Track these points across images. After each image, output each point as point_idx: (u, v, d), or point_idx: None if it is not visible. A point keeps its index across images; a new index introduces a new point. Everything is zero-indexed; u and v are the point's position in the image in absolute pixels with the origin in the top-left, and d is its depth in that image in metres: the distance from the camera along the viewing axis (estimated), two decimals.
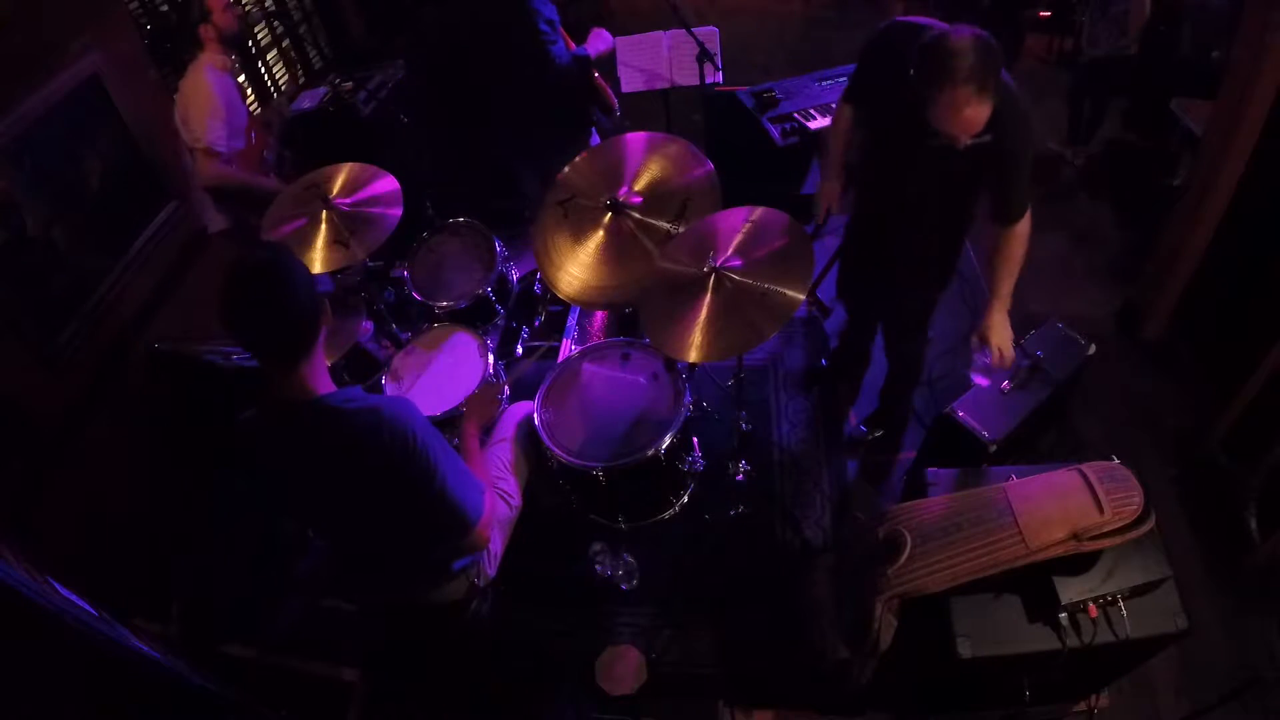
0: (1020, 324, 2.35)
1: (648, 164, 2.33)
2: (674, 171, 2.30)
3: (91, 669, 1.50)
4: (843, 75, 3.59)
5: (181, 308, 2.99)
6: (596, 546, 2.49)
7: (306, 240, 2.31)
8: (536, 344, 2.89)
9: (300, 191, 2.41)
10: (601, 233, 2.28)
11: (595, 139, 3.26)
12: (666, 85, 3.61)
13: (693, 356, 1.94)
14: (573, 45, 2.99)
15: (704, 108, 3.88)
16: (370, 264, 2.74)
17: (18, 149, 2.36)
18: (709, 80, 3.45)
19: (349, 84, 3.85)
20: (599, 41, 3.00)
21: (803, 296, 1.91)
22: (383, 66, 4.10)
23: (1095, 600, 1.78)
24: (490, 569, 1.96)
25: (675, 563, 2.56)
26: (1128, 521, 1.75)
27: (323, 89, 3.89)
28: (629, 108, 3.89)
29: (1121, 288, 3.49)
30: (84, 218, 2.63)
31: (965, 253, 2.11)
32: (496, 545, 1.98)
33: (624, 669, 2.10)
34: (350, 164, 2.47)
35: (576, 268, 2.29)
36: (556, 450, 2.12)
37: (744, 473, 2.72)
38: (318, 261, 2.30)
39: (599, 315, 2.96)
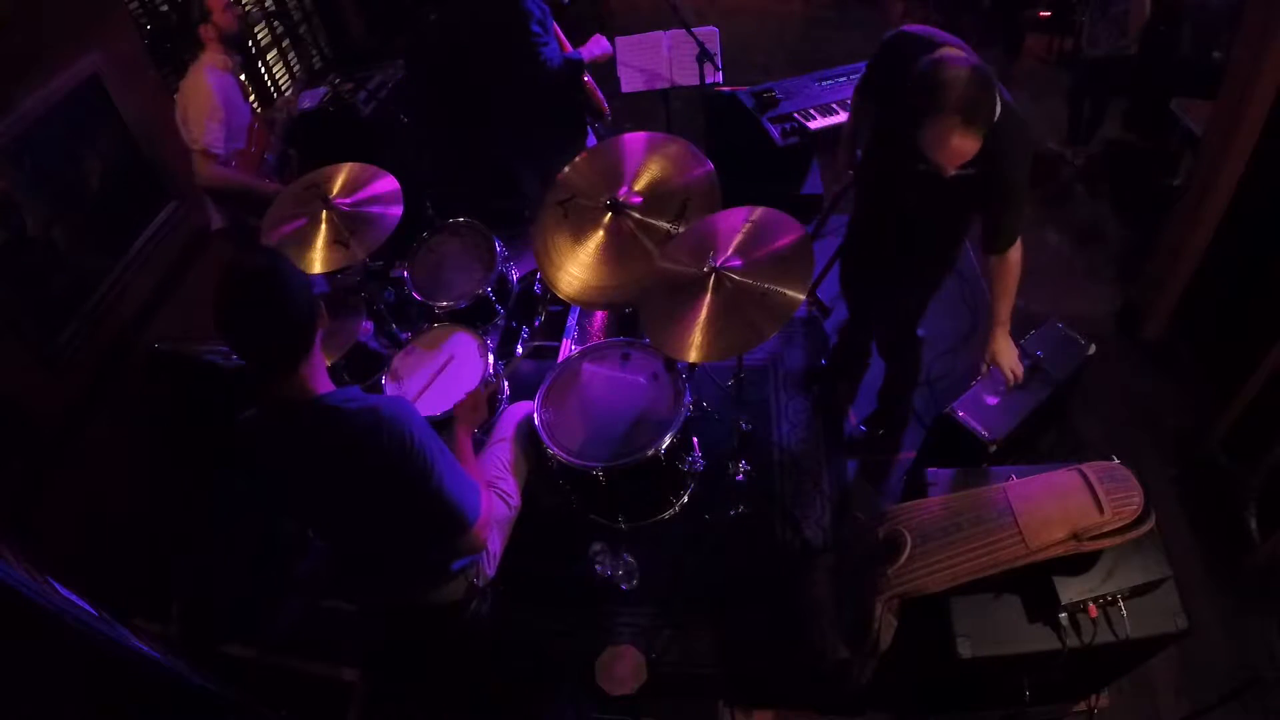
0: (1020, 324, 2.35)
1: (648, 164, 2.33)
2: (674, 171, 2.30)
3: (91, 669, 1.50)
4: (843, 75, 3.59)
5: (181, 308, 2.99)
6: (596, 546, 2.49)
7: (306, 240, 2.31)
8: (534, 343, 2.89)
9: (300, 191, 2.41)
10: (601, 233, 2.28)
11: (592, 140, 3.27)
12: (666, 85, 3.61)
13: (693, 356, 1.94)
14: (569, 47, 2.99)
15: (704, 108, 3.88)
16: (370, 264, 2.74)
17: (18, 149, 2.36)
18: (709, 80, 3.45)
19: (349, 84, 3.85)
20: (595, 47, 3.01)
21: (803, 296, 1.91)
22: (383, 66, 4.09)
23: (1095, 600, 1.78)
24: (490, 569, 1.96)
25: (675, 563, 2.56)
26: (1128, 521, 1.76)
27: (323, 89, 3.89)
28: (629, 107, 3.90)
29: (1121, 288, 3.50)
30: (84, 218, 2.63)
31: (965, 253, 2.11)
32: (495, 545, 1.98)
33: (624, 669, 2.10)
34: (350, 164, 2.47)
35: (576, 268, 2.29)
36: (556, 450, 2.12)
37: (744, 473, 2.72)
38: (318, 261, 2.30)
39: (599, 315, 2.95)
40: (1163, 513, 1.83)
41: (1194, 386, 3.06)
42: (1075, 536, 1.75)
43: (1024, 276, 2.08)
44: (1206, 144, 2.96)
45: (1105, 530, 1.75)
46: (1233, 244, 2.89)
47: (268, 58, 4.20)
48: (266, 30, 4.18)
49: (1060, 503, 1.80)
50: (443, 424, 2.12)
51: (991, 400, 2.29)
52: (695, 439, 2.38)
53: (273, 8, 4.19)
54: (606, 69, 3.12)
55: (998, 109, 1.76)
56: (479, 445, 2.18)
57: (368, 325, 2.68)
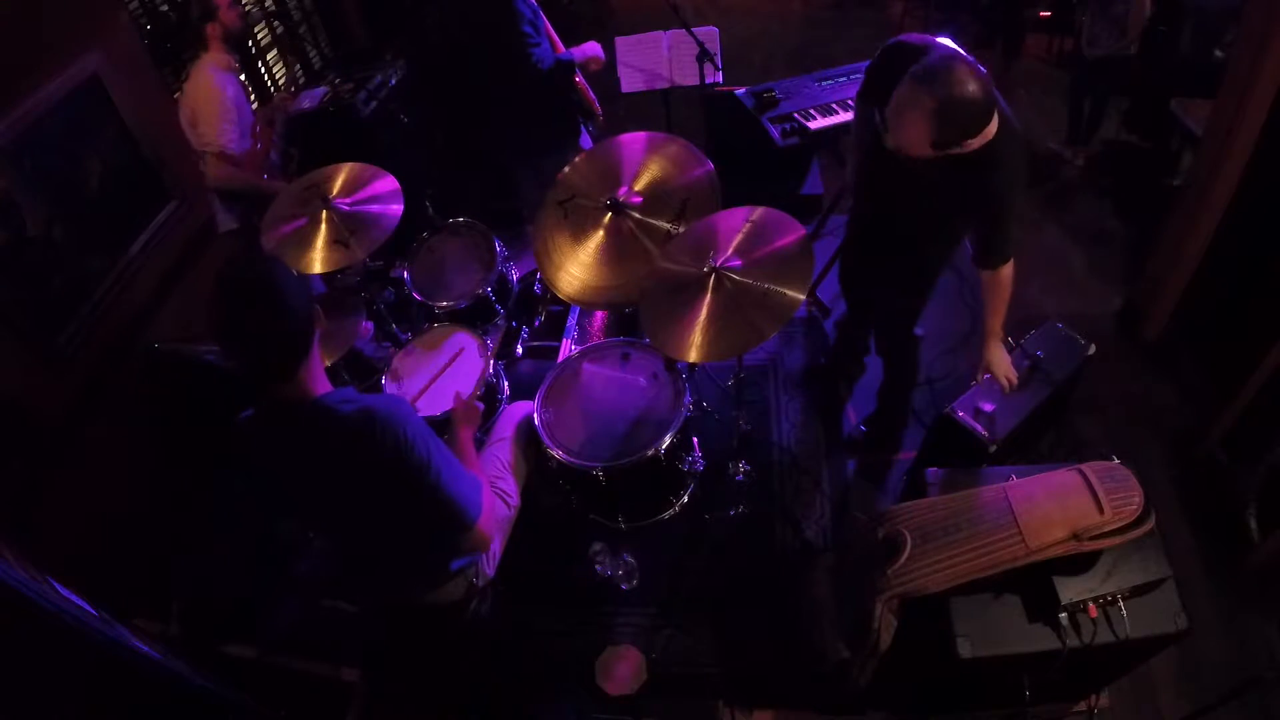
0: (1020, 324, 2.36)
1: (648, 164, 2.33)
2: (674, 171, 2.30)
3: (91, 669, 1.51)
4: (842, 75, 3.59)
5: (181, 308, 2.99)
6: (596, 546, 2.49)
7: (306, 240, 2.31)
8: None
9: (300, 191, 2.41)
10: (601, 233, 2.28)
11: (587, 141, 3.27)
12: (666, 85, 3.61)
13: (693, 356, 1.94)
14: (561, 47, 3.00)
15: (704, 108, 3.88)
16: (370, 264, 2.74)
17: (18, 149, 2.36)
18: (709, 80, 3.45)
19: (349, 84, 3.85)
20: (588, 50, 3.02)
21: (803, 296, 1.92)
22: (383, 66, 4.09)
23: (1095, 600, 1.78)
24: (489, 569, 1.96)
25: (675, 563, 2.56)
26: (1128, 521, 1.76)
27: (323, 89, 3.89)
28: (629, 107, 3.90)
29: (1121, 288, 3.50)
30: (84, 217, 2.63)
31: (965, 252, 2.12)
32: (495, 545, 1.98)
33: (624, 669, 2.10)
34: (350, 164, 2.47)
35: (576, 268, 2.29)
36: (556, 450, 2.12)
37: (744, 473, 2.72)
38: (318, 261, 2.30)
39: (599, 315, 2.95)
40: (1163, 513, 1.83)
41: (1194, 386, 3.06)
42: (1075, 536, 1.75)
43: (1024, 276, 2.09)
44: (1206, 144, 2.95)
45: (1105, 530, 1.75)
46: (1233, 244, 2.89)
47: (268, 58, 4.20)
48: (266, 30, 4.18)
49: (1060, 503, 1.80)
50: (443, 424, 2.12)
51: (991, 401, 2.30)
52: (695, 439, 2.38)
53: (273, 8, 4.19)
54: (599, 75, 3.13)
55: (991, 128, 1.76)
56: (479, 445, 2.18)
57: (368, 326, 2.69)
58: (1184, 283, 3.06)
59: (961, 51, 1.81)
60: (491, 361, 2.37)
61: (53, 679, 1.51)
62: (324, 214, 2.32)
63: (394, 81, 4.01)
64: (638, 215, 2.26)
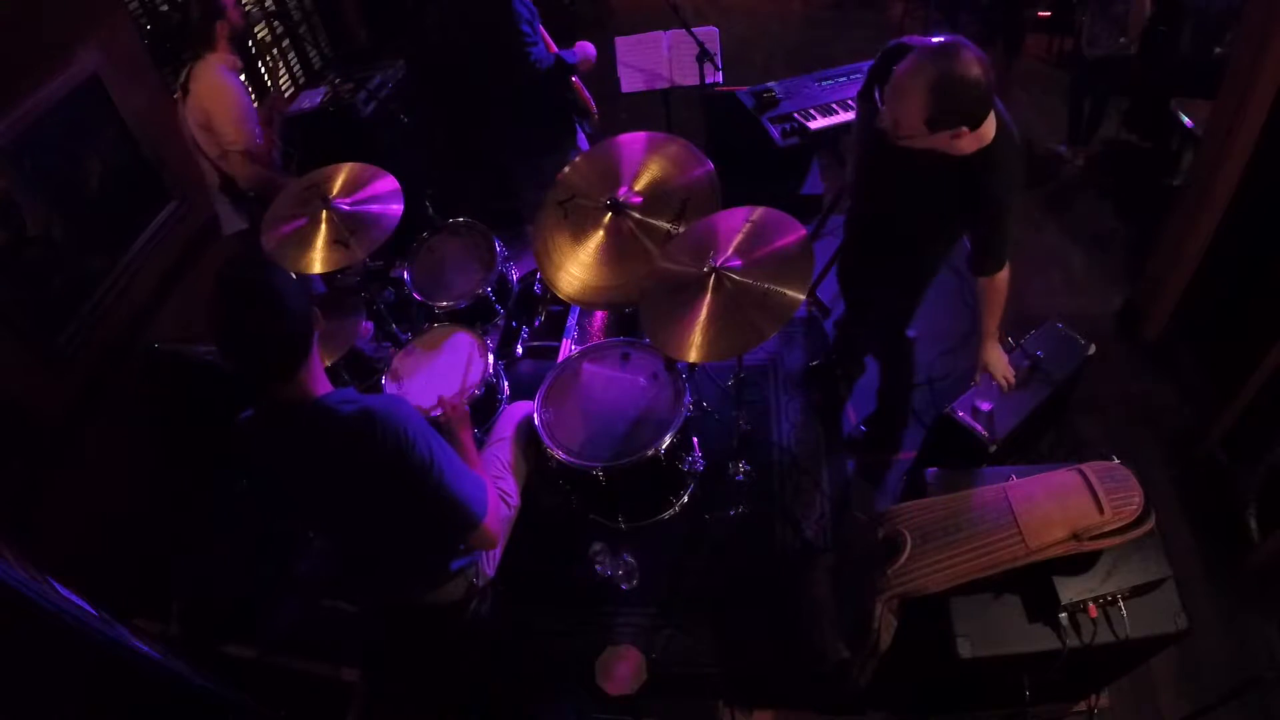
0: (1020, 324, 2.36)
1: (648, 164, 2.33)
2: (674, 171, 2.30)
3: (91, 669, 1.50)
4: (842, 75, 3.59)
5: (181, 308, 2.99)
6: (596, 546, 2.49)
7: (306, 240, 2.31)
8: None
9: (300, 191, 2.41)
10: (601, 233, 2.28)
11: (583, 141, 3.28)
12: (666, 85, 3.61)
13: (693, 356, 1.94)
14: (554, 48, 3.01)
15: (704, 108, 3.88)
16: (370, 264, 2.74)
17: (18, 149, 2.36)
18: (709, 80, 3.45)
19: (349, 84, 3.85)
20: (580, 50, 3.03)
21: (803, 296, 1.92)
22: (383, 66, 4.09)
23: (1095, 600, 1.78)
24: (489, 569, 1.96)
25: (675, 563, 2.56)
26: (1128, 521, 1.76)
27: (323, 89, 3.89)
28: (629, 107, 3.90)
29: (1121, 288, 3.50)
30: (84, 218, 2.63)
31: (963, 251, 2.12)
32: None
33: (624, 669, 2.10)
34: (350, 164, 2.47)
35: (576, 268, 2.29)
36: (556, 450, 2.12)
37: (744, 473, 2.72)
38: (318, 261, 2.30)
39: (599, 315, 2.96)
40: (1163, 513, 1.83)
41: (1194, 386, 3.06)
42: (1075, 536, 1.75)
43: (1025, 276, 2.09)
44: (1206, 144, 2.95)
45: (1105, 530, 1.75)
46: (1233, 244, 2.89)
47: (268, 58, 4.20)
48: (266, 30, 4.18)
49: (1060, 503, 1.80)
50: (443, 424, 2.12)
51: (991, 401, 2.31)
52: (695, 439, 2.38)
53: (273, 8, 4.19)
54: (599, 70, 3.14)
55: (989, 131, 1.77)
56: (479, 444, 2.18)
57: (368, 326, 2.68)
58: (1184, 283, 3.07)
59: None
60: (491, 361, 2.37)
61: (53, 679, 1.50)
62: (324, 214, 2.32)
63: (394, 82, 4.02)
64: (638, 215, 2.26)
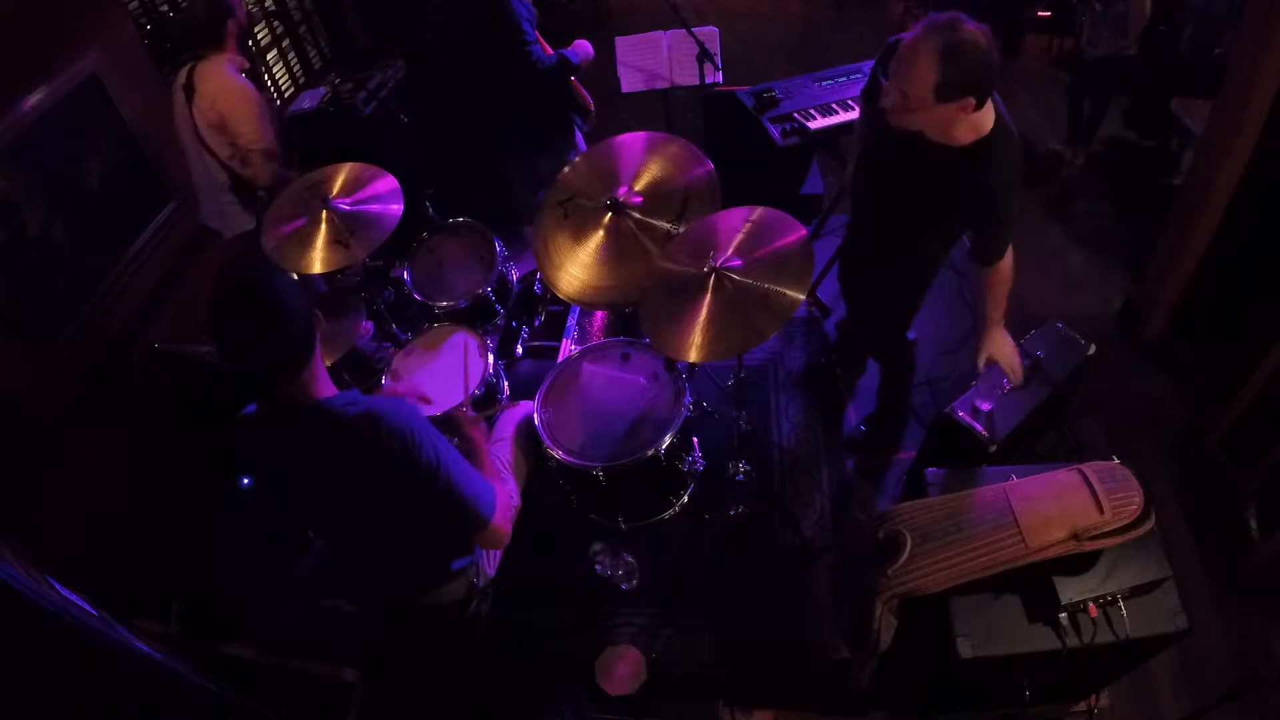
0: (1020, 324, 2.35)
1: (648, 164, 2.32)
2: (674, 171, 2.30)
3: (91, 669, 1.50)
4: (842, 75, 3.59)
5: (181, 308, 2.99)
6: (596, 546, 2.49)
7: (306, 240, 2.31)
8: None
9: (300, 191, 2.41)
10: (601, 233, 2.28)
11: (580, 141, 3.28)
12: (666, 85, 3.61)
13: (693, 356, 1.94)
14: (549, 49, 3.02)
15: (704, 108, 3.88)
16: (370, 264, 2.73)
17: (18, 149, 2.36)
18: (709, 80, 3.45)
19: (349, 84, 3.85)
20: (579, 49, 3.03)
21: (803, 296, 1.91)
22: (383, 66, 4.09)
23: (1095, 600, 1.78)
24: (490, 569, 1.96)
25: (675, 563, 2.56)
26: (1128, 521, 1.76)
27: (323, 89, 3.89)
28: (629, 107, 3.90)
29: (1121, 288, 3.50)
30: (84, 217, 2.63)
31: (963, 250, 2.12)
32: None
33: (624, 669, 2.10)
34: (350, 164, 2.47)
35: (576, 268, 2.29)
36: (556, 450, 2.12)
37: (744, 473, 2.72)
38: (318, 261, 2.29)
39: (599, 315, 2.96)
40: (1163, 513, 1.82)
41: (1194, 386, 3.06)
42: (1075, 536, 1.75)
43: (1025, 276, 2.09)
44: (1206, 144, 2.95)
45: (1105, 530, 1.75)
46: (1233, 244, 2.89)
47: (268, 58, 4.20)
48: (266, 30, 4.18)
49: (1060, 503, 1.80)
50: (443, 423, 2.12)
51: (991, 400, 2.30)
52: (695, 439, 2.38)
53: (273, 8, 4.19)
54: (597, 70, 3.15)
55: (987, 121, 1.78)
56: None
57: (368, 326, 2.68)
58: (1184, 283, 3.07)
59: None
60: (491, 361, 2.37)
61: (53, 679, 1.50)
62: (324, 214, 2.32)
63: (394, 82, 4.01)
64: (638, 215, 2.26)
